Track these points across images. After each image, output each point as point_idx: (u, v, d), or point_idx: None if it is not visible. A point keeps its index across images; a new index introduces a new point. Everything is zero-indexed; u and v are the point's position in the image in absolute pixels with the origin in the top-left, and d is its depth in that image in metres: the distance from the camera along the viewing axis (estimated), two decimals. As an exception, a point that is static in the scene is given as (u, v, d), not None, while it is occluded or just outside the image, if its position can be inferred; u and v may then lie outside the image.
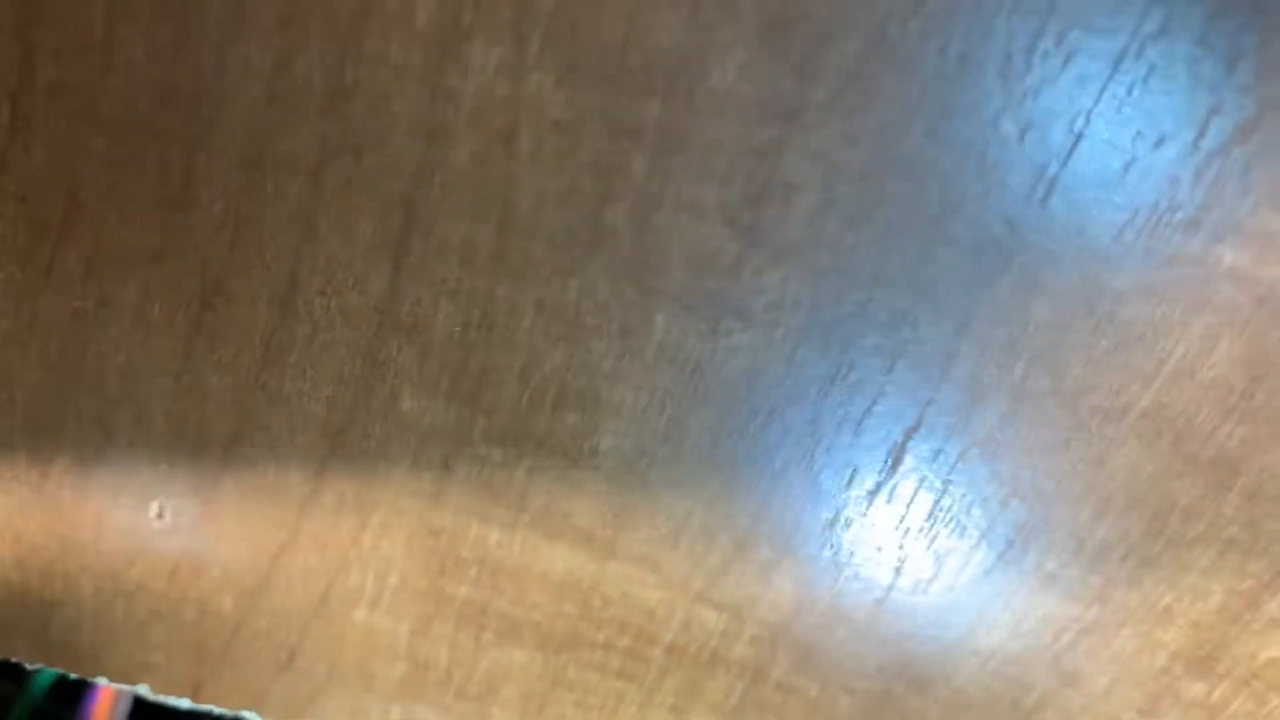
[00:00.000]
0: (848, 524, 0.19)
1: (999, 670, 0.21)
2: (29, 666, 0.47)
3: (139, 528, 0.20)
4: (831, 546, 0.20)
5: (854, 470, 0.19)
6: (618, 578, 0.20)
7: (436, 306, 0.17)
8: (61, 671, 0.41)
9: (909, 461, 0.19)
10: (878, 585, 0.20)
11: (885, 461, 0.19)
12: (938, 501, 0.19)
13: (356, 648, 0.21)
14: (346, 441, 0.19)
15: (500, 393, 0.18)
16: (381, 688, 0.22)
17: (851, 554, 0.20)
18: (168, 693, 0.22)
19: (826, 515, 0.19)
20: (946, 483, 0.19)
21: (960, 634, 0.20)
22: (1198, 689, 0.21)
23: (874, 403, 0.18)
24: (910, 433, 0.18)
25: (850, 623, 0.20)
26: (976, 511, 0.19)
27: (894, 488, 0.19)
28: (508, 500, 0.19)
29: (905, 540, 0.19)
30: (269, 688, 0.22)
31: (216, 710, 0.22)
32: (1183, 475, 0.18)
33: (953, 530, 0.19)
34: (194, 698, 0.22)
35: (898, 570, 0.20)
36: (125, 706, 0.40)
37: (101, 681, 0.40)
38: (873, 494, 0.19)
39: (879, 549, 0.20)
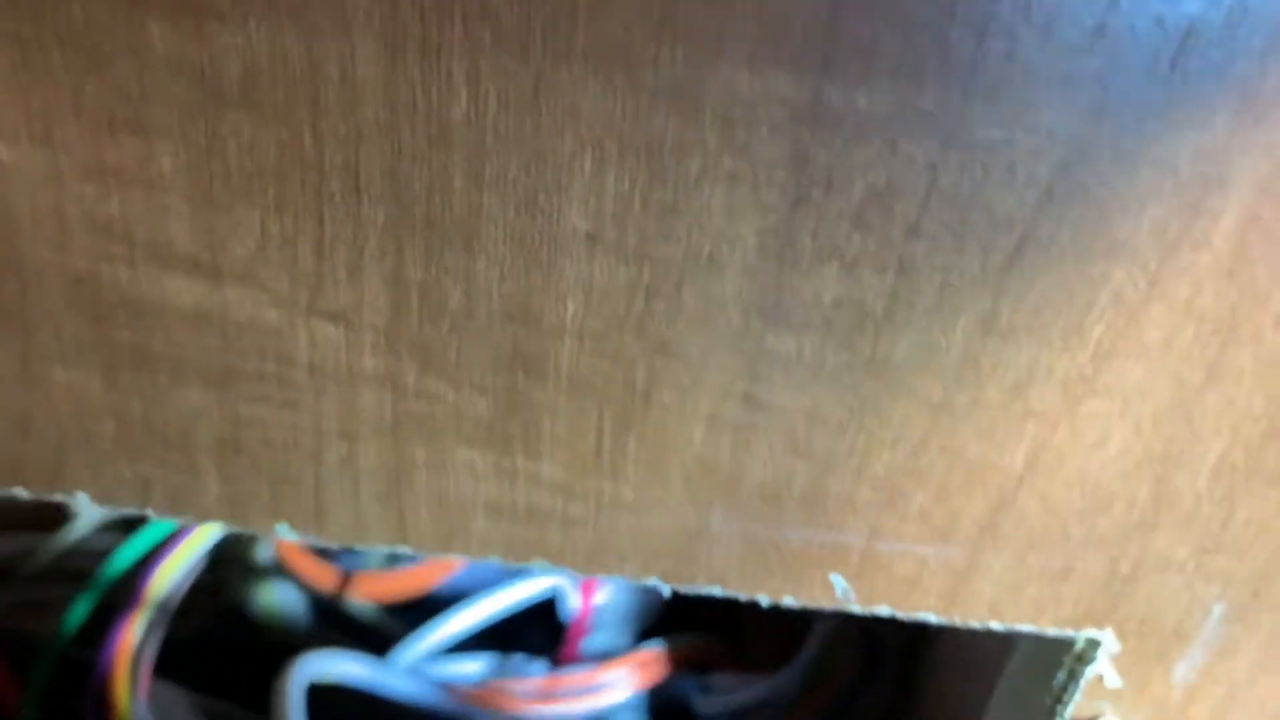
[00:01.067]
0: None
1: (595, 348, 0.22)
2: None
3: None
4: (389, 236, 0.21)
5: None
6: (238, 301, 0.22)
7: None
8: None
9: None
10: (448, 270, 0.21)
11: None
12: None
13: (69, 406, 0.23)
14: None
15: (54, 125, 0.20)
16: (101, 445, 0.24)
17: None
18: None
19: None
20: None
21: (541, 312, 0.21)
22: (786, 345, 0.21)
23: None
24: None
25: (450, 315, 0.21)
26: (490, 175, 0.20)
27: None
28: (115, 235, 0.21)
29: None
30: (19, 460, 0.24)
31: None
32: (651, 109, 0.19)
33: (480, 199, 0.20)
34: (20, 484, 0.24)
35: (453, 250, 0.21)
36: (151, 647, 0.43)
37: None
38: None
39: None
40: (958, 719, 0.43)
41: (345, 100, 0.19)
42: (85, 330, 0.22)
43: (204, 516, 0.24)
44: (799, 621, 0.56)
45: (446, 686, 0.55)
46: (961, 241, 0.20)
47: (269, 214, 0.21)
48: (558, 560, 0.24)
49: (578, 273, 0.21)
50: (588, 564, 0.24)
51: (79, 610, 0.42)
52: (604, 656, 0.60)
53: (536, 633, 0.64)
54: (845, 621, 0.47)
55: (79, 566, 0.60)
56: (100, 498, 0.24)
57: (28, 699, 0.40)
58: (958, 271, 0.20)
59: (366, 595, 0.64)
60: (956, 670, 0.43)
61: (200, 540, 0.44)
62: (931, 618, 0.24)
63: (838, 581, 0.24)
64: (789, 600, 0.24)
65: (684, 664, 0.54)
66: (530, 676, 0.57)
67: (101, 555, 0.62)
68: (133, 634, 0.42)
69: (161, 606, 0.44)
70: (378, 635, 0.65)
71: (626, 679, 0.54)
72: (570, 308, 0.21)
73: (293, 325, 0.22)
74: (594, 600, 0.58)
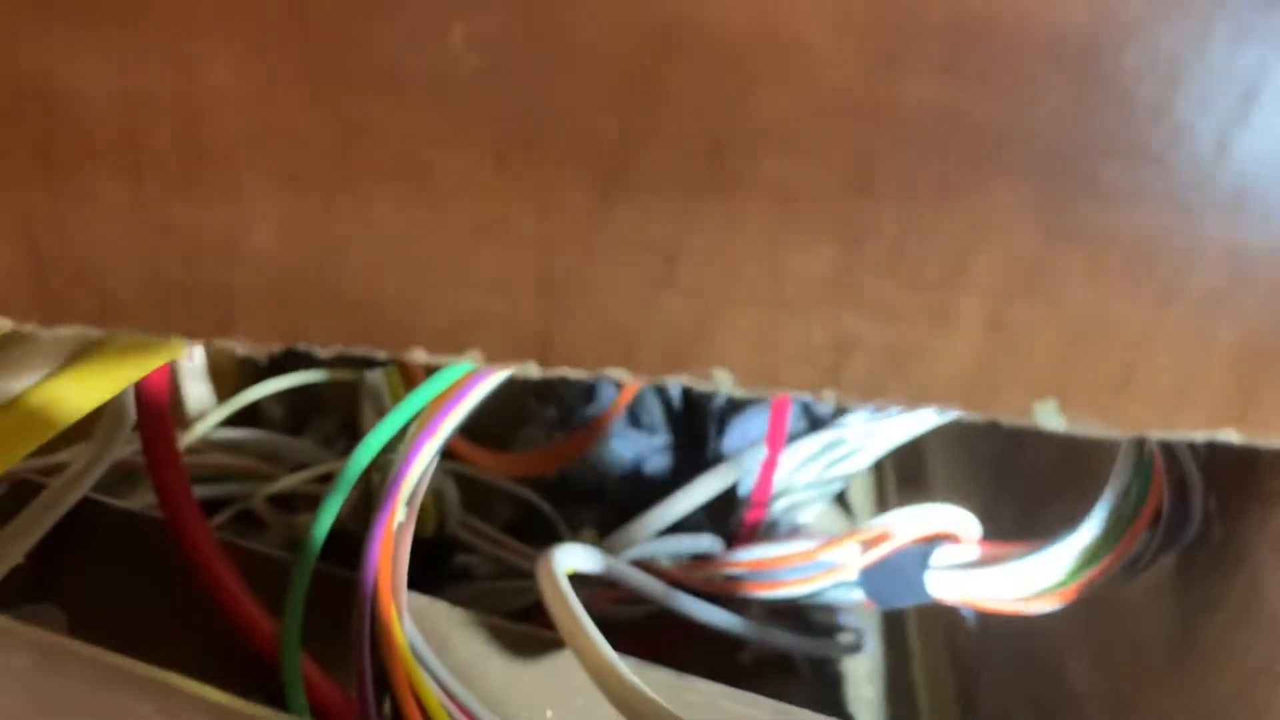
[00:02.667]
0: None
1: None
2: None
3: (441, 72, 0.12)
4: None
5: None
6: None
7: None
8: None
9: None
10: None
11: None
12: None
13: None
14: None
15: None
16: (795, 295, 0.13)
17: None
18: (505, 359, 0.14)
19: None
20: None
21: None
22: None
23: None
24: None
25: None
26: None
27: None
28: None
29: None
30: (638, 325, 0.14)
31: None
32: None
33: None
34: (542, 361, 0.14)
35: None
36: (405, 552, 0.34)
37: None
38: None
39: None
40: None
41: None
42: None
43: (908, 398, 0.14)
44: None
45: (662, 571, 0.46)
46: None
47: None
48: None
49: None
50: None
51: (327, 516, 0.32)
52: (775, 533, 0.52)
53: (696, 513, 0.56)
54: (1145, 480, 0.38)
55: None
56: (747, 377, 0.14)
57: (289, 624, 0.30)
58: None
59: (509, 474, 0.55)
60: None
61: (449, 427, 0.34)
62: None
63: None
64: None
65: (916, 539, 0.45)
66: (730, 558, 0.49)
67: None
68: (392, 539, 0.32)
69: (410, 505, 0.34)
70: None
71: (853, 556, 0.45)
72: None
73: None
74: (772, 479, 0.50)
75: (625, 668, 0.29)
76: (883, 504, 0.63)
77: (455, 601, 0.54)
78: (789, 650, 0.51)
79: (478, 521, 0.53)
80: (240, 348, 0.14)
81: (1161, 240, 0.13)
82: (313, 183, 0.13)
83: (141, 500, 0.43)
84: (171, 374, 0.52)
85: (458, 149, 0.12)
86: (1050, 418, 0.14)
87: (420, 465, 0.34)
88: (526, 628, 0.33)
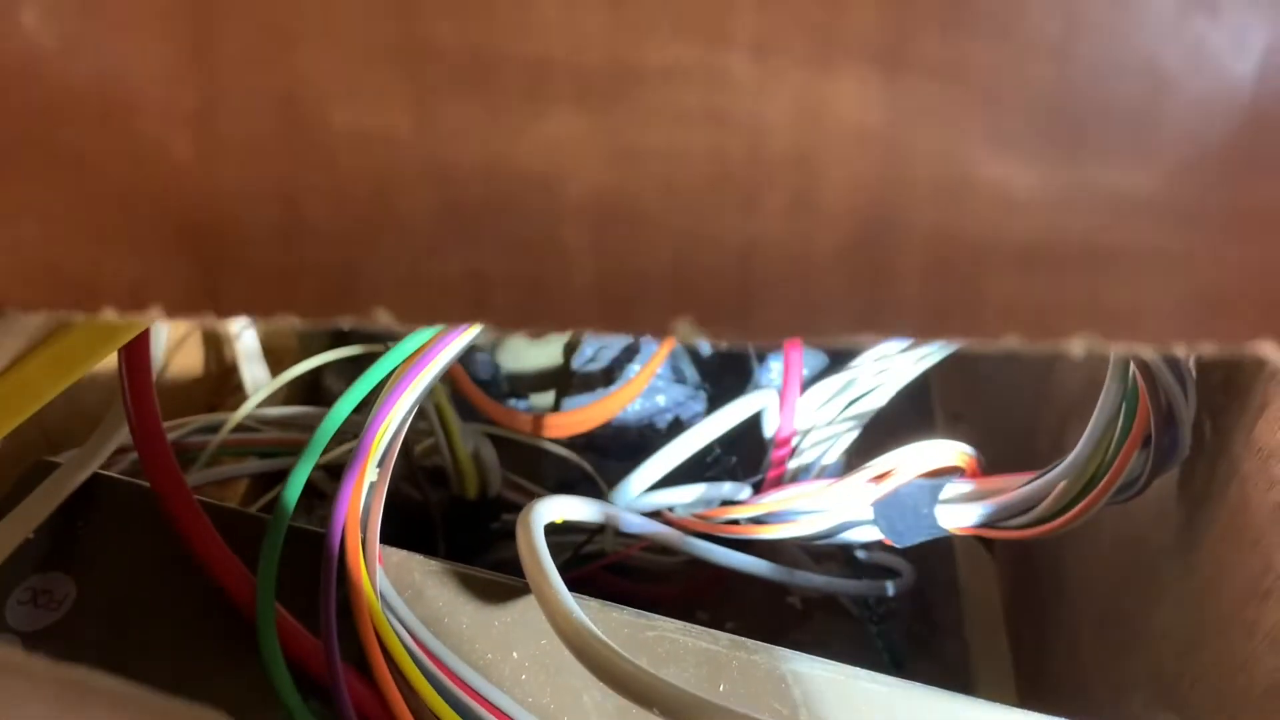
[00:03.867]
0: None
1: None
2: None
3: (27, 52, 0.13)
4: None
5: None
6: None
7: None
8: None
9: None
10: None
11: None
12: None
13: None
14: None
15: None
16: (418, 234, 0.14)
17: None
18: (184, 313, 0.15)
19: None
20: None
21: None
22: None
23: None
24: None
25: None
26: None
27: None
28: None
29: None
30: (291, 271, 0.14)
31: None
32: None
33: None
34: (217, 311, 0.15)
35: None
36: (377, 510, 0.35)
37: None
38: None
39: None
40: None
41: None
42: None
43: (555, 323, 0.14)
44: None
45: (669, 518, 0.46)
46: None
47: None
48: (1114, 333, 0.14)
49: None
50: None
51: (298, 478, 0.33)
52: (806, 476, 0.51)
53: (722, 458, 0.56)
54: (1132, 403, 0.37)
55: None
56: (405, 313, 0.15)
57: (263, 578, 0.31)
58: None
59: (552, 434, 0.56)
60: None
61: (415, 391, 0.35)
62: None
63: None
64: None
65: (921, 474, 0.44)
66: (747, 501, 0.49)
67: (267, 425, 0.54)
68: (360, 496, 0.33)
69: (382, 465, 0.35)
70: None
71: (862, 493, 0.45)
72: None
73: None
74: (793, 418, 0.49)
75: (578, 609, 0.30)
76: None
77: (504, 558, 0.55)
78: (822, 590, 0.50)
79: (524, 481, 0.54)
80: (-38, 317, 0.15)
81: (728, 154, 0.13)
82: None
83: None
84: (229, 357, 0.55)
85: (65, 123, 0.13)
86: (689, 333, 0.14)
87: (389, 428, 0.35)
88: (498, 576, 0.34)
